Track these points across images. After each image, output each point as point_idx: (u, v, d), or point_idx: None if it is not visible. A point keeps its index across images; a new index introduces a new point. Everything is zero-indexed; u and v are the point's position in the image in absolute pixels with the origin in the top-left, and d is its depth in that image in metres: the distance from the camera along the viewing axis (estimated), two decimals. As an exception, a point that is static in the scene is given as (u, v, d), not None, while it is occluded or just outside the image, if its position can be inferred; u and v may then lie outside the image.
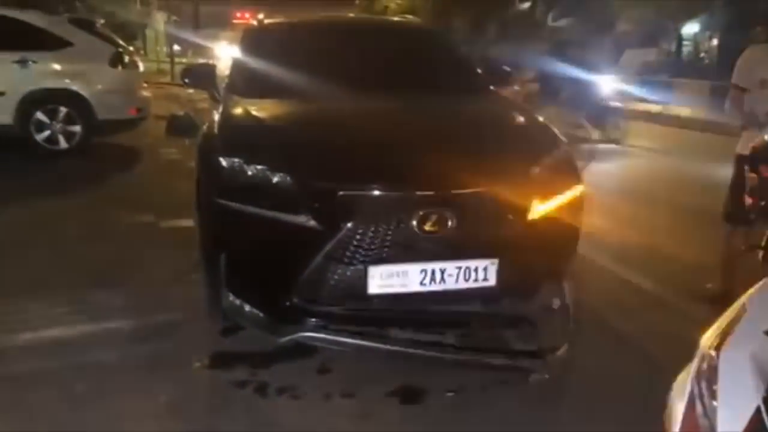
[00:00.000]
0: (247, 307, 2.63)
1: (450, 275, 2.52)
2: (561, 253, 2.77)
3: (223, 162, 2.67)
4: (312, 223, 2.47)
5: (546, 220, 2.66)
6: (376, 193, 2.52)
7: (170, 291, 3.47)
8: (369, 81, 3.57)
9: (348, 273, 2.49)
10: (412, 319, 2.62)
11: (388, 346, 2.53)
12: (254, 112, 3.06)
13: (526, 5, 29.93)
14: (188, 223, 4.04)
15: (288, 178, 2.54)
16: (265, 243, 2.58)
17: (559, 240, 2.75)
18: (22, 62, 6.99)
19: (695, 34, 24.99)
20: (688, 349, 1.34)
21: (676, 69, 19.91)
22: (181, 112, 9.91)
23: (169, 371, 2.70)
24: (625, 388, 2.58)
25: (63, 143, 7.24)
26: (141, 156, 7.93)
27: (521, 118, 3.27)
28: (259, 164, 2.59)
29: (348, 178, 2.54)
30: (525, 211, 2.62)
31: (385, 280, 2.48)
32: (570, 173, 2.90)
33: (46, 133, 7.18)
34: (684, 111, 13.31)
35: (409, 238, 2.48)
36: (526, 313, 2.72)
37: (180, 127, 8.64)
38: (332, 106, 3.24)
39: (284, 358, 2.76)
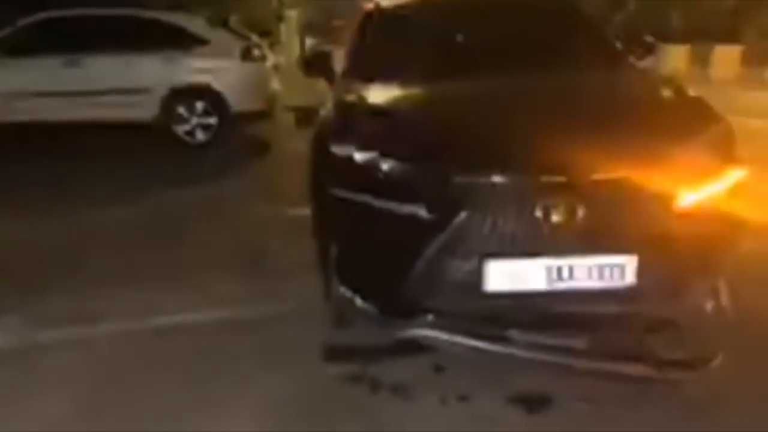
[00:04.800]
0: (358, 300, 2.51)
1: (580, 272, 2.23)
2: (716, 248, 2.36)
3: (335, 149, 2.57)
4: (425, 212, 2.29)
5: (699, 208, 2.27)
6: (496, 179, 2.27)
7: (289, 281, 3.48)
8: (497, 59, 3.28)
9: (464, 268, 2.27)
10: (535, 320, 2.36)
11: (509, 349, 2.30)
12: (368, 98, 2.93)
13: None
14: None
15: (400, 165, 2.37)
16: (376, 234, 2.43)
17: (714, 232, 2.34)
18: (167, 60, 7.49)
19: None
20: None
21: None
22: (309, 104, 10.12)
23: (279, 362, 2.67)
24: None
25: (200, 136, 7.68)
26: (271, 147, 8.20)
27: (668, 93, 2.85)
28: (370, 151, 2.45)
29: (465, 163, 2.31)
30: (673, 199, 2.24)
31: (505, 276, 2.25)
32: (728, 154, 2.46)
33: (186, 126, 7.66)
34: None
35: (534, 231, 2.21)
36: (672, 316, 2.36)
37: (308, 118, 8.82)
38: (453, 87, 3.01)
39: (396, 353, 2.63)
